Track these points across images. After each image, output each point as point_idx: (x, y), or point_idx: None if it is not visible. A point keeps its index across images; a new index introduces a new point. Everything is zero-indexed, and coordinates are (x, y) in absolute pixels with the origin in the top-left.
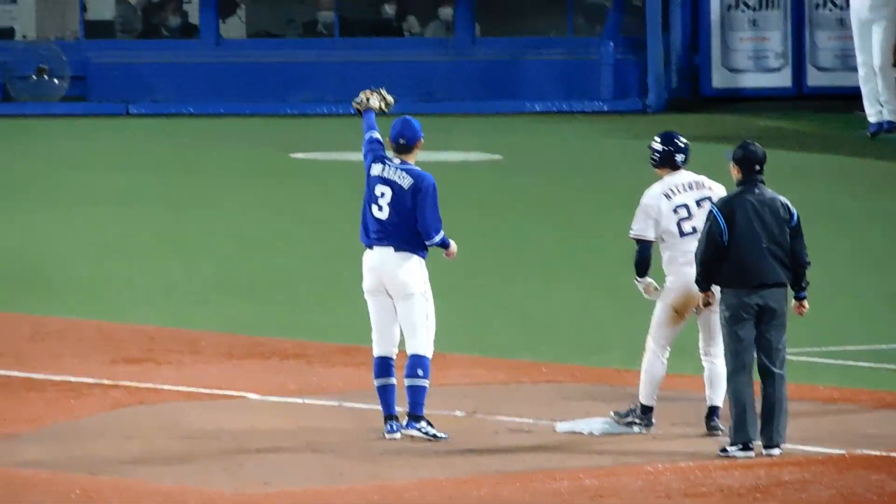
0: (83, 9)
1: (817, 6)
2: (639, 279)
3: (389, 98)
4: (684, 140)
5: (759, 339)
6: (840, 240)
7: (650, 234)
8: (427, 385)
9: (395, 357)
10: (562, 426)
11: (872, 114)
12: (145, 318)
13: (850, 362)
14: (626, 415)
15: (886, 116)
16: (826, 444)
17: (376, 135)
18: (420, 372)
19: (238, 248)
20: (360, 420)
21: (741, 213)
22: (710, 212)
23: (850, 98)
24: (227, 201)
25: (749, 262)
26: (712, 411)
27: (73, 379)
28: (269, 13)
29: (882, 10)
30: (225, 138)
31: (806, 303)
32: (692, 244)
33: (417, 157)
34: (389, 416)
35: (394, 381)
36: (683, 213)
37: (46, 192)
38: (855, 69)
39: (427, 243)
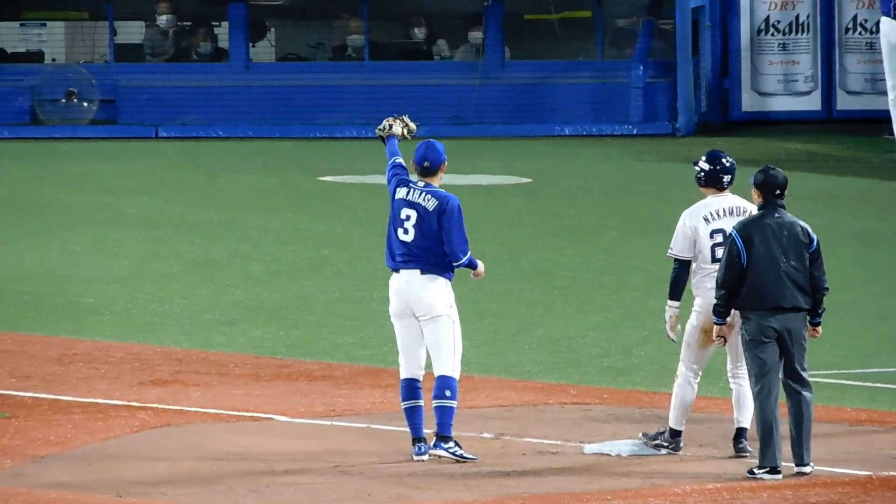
0: (113, 32)
1: (847, 30)
2: (670, 303)
3: (412, 125)
4: (731, 160)
5: (783, 362)
6: (869, 263)
7: (688, 255)
8: (455, 406)
9: (421, 379)
10: (590, 448)
11: None
12: (174, 340)
13: (878, 384)
14: (655, 437)
15: None
16: (853, 465)
17: (399, 160)
18: (448, 393)
19: (266, 271)
20: (387, 442)
21: (759, 237)
22: (730, 235)
23: (880, 122)
24: (255, 224)
25: (766, 286)
26: (740, 433)
27: (100, 401)
28: (299, 37)
29: None
30: (254, 162)
31: (820, 328)
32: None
33: (445, 180)
34: (417, 438)
35: (421, 402)
36: (719, 238)
37: (76, 216)
38: (884, 93)
39: (454, 265)
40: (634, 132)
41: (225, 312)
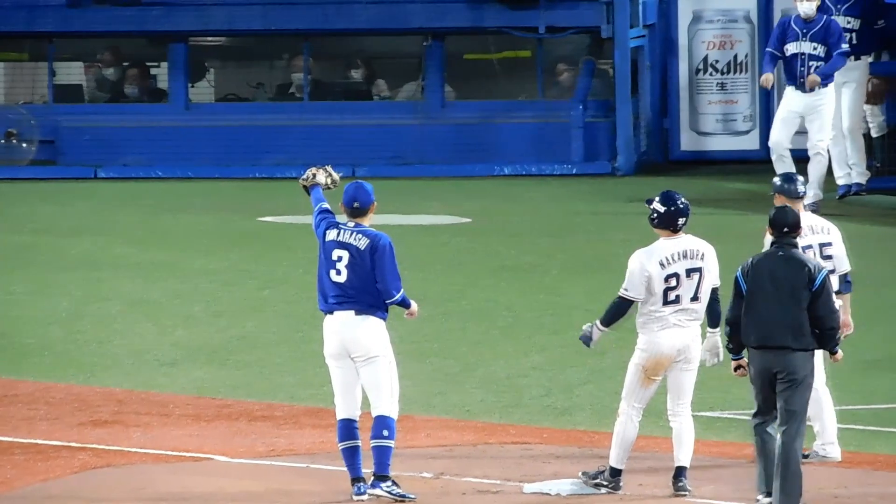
0: (52, 73)
1: (698, 71)
2: (602, 327)
3: (335, 175)
4: (685, 201)
5: (778, 397)
6: None
7: (643, 297)
8: (393, 445)
9: (358, 419)
10: (529, 487)
11: (841, 176)
12: (114, 381)
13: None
14: (595, 476)
15: (855, 179)
16: None
17: (325, 205)
18: (385, 433)
19: (207, 311)
20: (327, 482)
21: (757, 274)
22: (735, 276)
23: (733, 162)
24: (195, 265)
25: (754, 323)
26: (679, 471)
27: (41, 442)
28: (238, 77)
29: (852, 72)
30: (194, 202)
31: (839, 355)
32: (670, 311)
33: (386, 220)
34: (356, 478)
35: (359, 442)
36: (673, 282)
37: (16, 257)
38: (736, 133)
39: (388, 302)
40: (574, 171)
41: (166, 353)
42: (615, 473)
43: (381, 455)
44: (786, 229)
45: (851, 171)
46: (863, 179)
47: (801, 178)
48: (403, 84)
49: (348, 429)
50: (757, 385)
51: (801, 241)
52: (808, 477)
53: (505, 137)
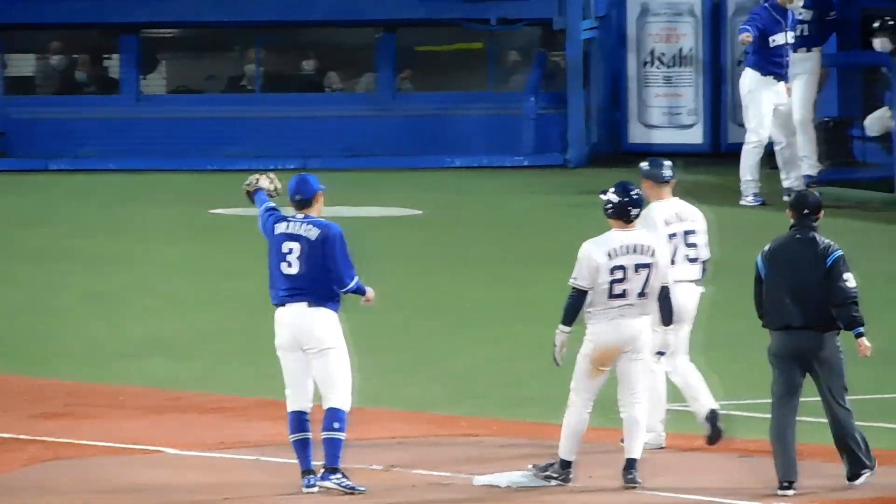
0: (2, 65)
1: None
2: (562, 327)
3: (279, 183)
4: (639, 192)
5: (814, 381)
6: None
7: (590, 285)
8: (344, 438)
9: (310, 411)
10: (479, 480)
11: (785, 178)
12: (67, 373)
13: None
14: (545, 468)
15: (805, 171)
16: (744, 496)
17: (271, 204)
18: (336, 425)
19: (159, 304)
20: (277, 474)
21: (776, 255)
22: (756, 260)
23: (678, 155)
24: (148, 257)
25: (776, 304)
26: (630, 464)
27: None
28: (190, 69)
29: (804, 64)
30: (146, 194)
31: (864, 341)
32: (616, 305)
33: (338, 212)
34: (306, 470)
35: (310, 435)
36: (619, 274)
37: None
38: (683, 126)
39: (341, 291)
40: (526, 163)
41: (118, 345)
42: (565, 465)
43: (332, 447)
44: (806, 210)
45: (802, 163)
46: (813, 171)
47: (668, 162)
48: (356, 76)
49: (299, 421)
50: (779, 368)
51: (666, 229)
52: (757, 470)
53: (457, 129)
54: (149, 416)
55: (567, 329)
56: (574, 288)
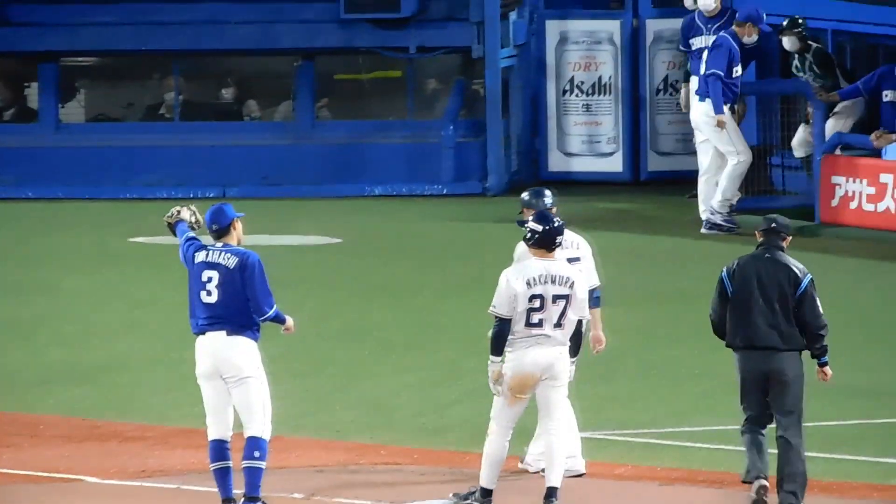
0: None
1: (658, 91)
2: (493, 358)
3: (199, 216)
4: (560, 220)
5: (771, 400)
6: (681, 321)
7: (509, 313)
8: (264, 467)
9: (230, 440)
10: None
11: (704, 210)
12: None
13: (690, 443)
14: (466, 497)
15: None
16: None
17: (191, 234)
18: (257, 454)
19: (78, 332)
20: (198, 502)
21: (743, 275)
22: (720, 275)
23: (692, 182)
24: (67, 286)
25: (741, 323)
26: (550, 492)
27: None
28: (109, 97)
29: None
30: (66, 223)
31: (827, 369)
32: (533, 334)
33: (256, 241)
34: (227, 499)
35: (230, 463)
36: (536, 304)
37: None
38: (695, 153)
39: (260, 319)
40: (445, 192)
41: (37, 373)
42: (486, 494)
43: (252, 476)
44: (773, 225)
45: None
46: (733, 200)
47: (548, 191)
48: (275, 104)
49: (220, 449)
50: (745, 388)
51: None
52: (677, 498)
53: (376, 157)
54: (68, 444)
55: (497, 359)
56: (496, 317)
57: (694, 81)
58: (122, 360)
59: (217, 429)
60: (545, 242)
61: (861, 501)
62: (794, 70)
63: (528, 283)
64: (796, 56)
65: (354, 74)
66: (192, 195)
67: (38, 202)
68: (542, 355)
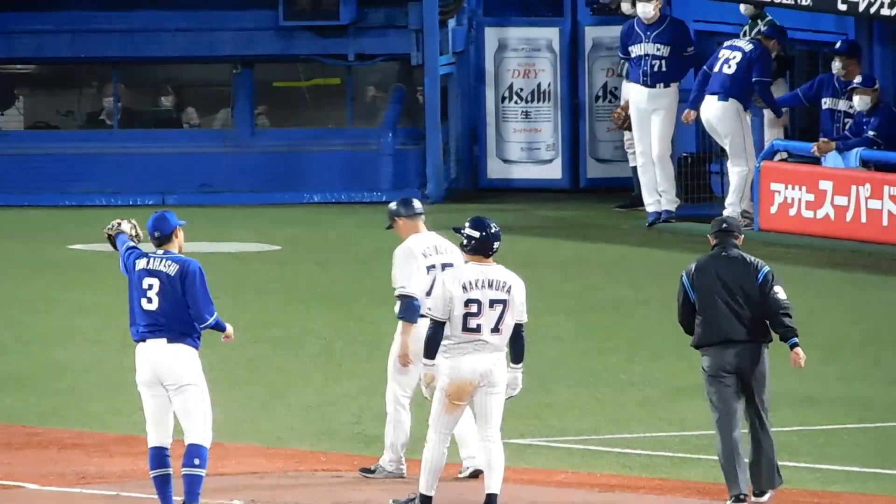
0: None
1: (597, 98)
2: (426, 361)
3: (139, 229)
4: (496, 226)
5: (745, 396)
6: (621, 329)
7: (445, 317)
8: (203, 474)
9: (170, 447)
10: None
11: (651, 203)
12: None
13: (629, 450)
14: (407, 503)
15: (664, 206)
16: None
17: (131, 244)
18: (197, 461)
19: (16, 339)
20: None
21: (706, 276)
22: (680, 279)
23: (630, 189)
24: (4, 293)
25: (716, 321)
26: (489, 499)
27: None
28: (48, 105)
29: (661, 100)
30: (3, 230)
31: (799, 350)
32: (469, 339)
33: (195, 248)
34: None
35: (170, 471)
36: (474, 308)
37: None
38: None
39: (200, 326)
40: (384, 199)
41: None
42: (426, 501)
43: (191, 483)
44: (725, 225)
45: (661, 198)
46: (672, 207)
47: (416, 200)
48: (214, 112)
49: (160, 457)
50: (715, 385)
51: (425, 261)
52: (616, 502)
53: (314, 165)
54: (8, 451)
55: (431, 362)
56: (432, 319)
57: (626, 87)
58: (60, 368)
59: (157, 436)
60: (482, 248)
61: None
62: (740, 35)
63: (465, 287)
64: (748, 22)
65: (293, 82)
66: (131, 202)
67: None
68: (480, 361)
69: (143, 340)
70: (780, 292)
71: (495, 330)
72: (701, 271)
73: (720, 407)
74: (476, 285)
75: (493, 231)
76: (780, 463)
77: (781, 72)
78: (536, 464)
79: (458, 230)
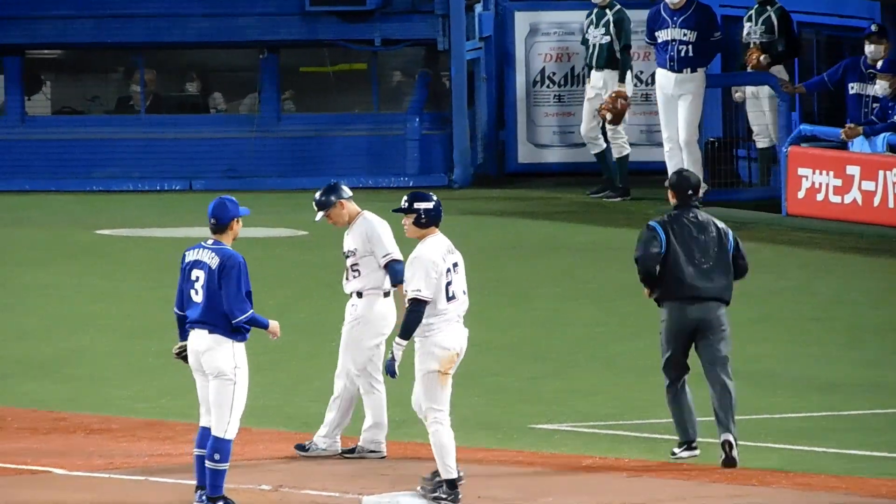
0: None
1: None
2: (402, 342)
3: None
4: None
5: (703, 349)
6: (643, 314)
7: (432, 295)
8: (225, 468)
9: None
10: (368, 500)
11: None
12: None
13: (655, 435)
14: (434, 490)
15: None
16: None
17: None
18: (217, 456)
19: (40, 325)
20: (164, 494)
21: (677, 231)
22: (650, 225)
23: (656, 173)
24: (29, 279)
25: (684, 277)
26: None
27: None
28: (75, 90)
29: (687, 85)
30: (30, 215)
31: None
32: (452, 307)
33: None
34: (200, 485)
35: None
36: (449, 277)
37: None
38: (660, 144)
39: (233, 322)
40: (411, 184)
41: (1, 367)
42: (453, 485)
43: (212, 477)
44: (690, 192)
45: None
46: (699, 192)
47: (337, 188)
48: (240, 97)
49: (204, 437)
50: (676, 341)
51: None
52: (644, 489)
53: (340, 150)
54: (34, 436)
55: (405, 343)
56: (419, 301)
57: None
58: (84, 353)
59: (205, 417)
60: (438, 216)
61: (826, 493)
62: (745, 20)
63: (444, 259)
64: (756, 6)
65: (319, 67)
66: (157, 188)
67: (3, 195)
68: (460, 332)
69: (193, 328)
70: (744, 254)
71: (464, 291)
72: (672, 226)
73: (673, 362)
74: (445, 255)
75: (438, 201)
76: (805, 448)
77: (790, 56)
78: (563, 449)
79: (402, 210)
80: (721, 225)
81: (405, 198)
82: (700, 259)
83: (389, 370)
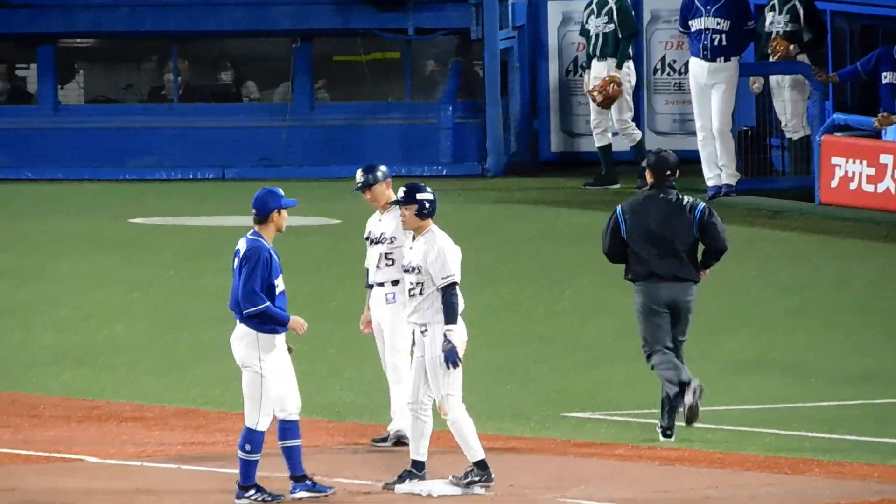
0: None
1: (656, 70)
2: (452, 327)
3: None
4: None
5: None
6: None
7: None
8: (256, 459)
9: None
10: (401, 488)
11: (711, 177)
12: None
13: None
14: (465, 476)
15: (724, 180)
16: None
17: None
18: (248, 447)
19: (75, 315)
20: (197, 483)
21: (642, 213)
22: (614, 211)
23: (689, 162)
24: (63, 268)
25: (646, 258)
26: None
27: None
28: (108, 79)
29: (720, 74)
30: (63, 205)
31: (707, 272)
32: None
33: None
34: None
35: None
36: None
37: None
38: (693, 133)
39: (244, 313)
40: (444, 173)
41: (34, 356)
42: (482, 465)
43: (244, 468)
44: (667, 172)
45: (721, 172)
46: (732, 181)
47: (382, 167)
48: (273, 86)
49: (282, 429)
50: (650, 320)
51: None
52: (677, 478)
53: (373, 139)
54: (68, 424)
55: (455, 327)
56: (455, 284)
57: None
58: (118, 343)
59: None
60: (436, 208)
61: (860, 481)
62: (767, 9)
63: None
64: None
65: (352, 56)
66: (190, 176)
67: (37, 183)
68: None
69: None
70: (719, 230)
71: None
72: (637, 208)
73: (656, 341)
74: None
75: (432, 191)
76: (838, 437)
77: (819, 45)
78: (596, 438)
79: (404, 201)
80: (692, 203)
81: (403, 189)
82: (658, 240)
83: (453, 358)
